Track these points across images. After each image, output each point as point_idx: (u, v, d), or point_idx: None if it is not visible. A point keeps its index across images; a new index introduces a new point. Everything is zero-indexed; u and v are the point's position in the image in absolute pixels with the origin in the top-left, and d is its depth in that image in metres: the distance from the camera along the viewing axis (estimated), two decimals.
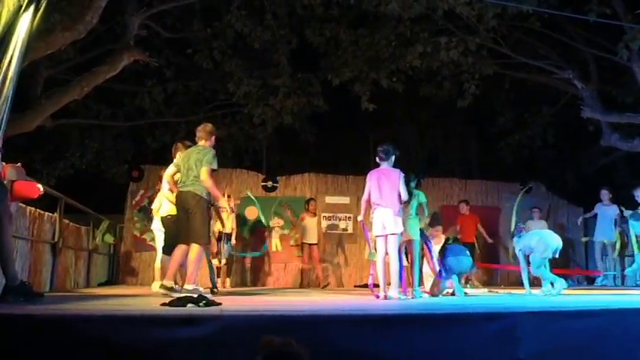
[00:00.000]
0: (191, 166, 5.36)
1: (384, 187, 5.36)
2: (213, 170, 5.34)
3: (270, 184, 10.66)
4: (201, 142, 5.57)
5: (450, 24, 9.04)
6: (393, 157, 5.53)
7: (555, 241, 6.03)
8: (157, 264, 6.75)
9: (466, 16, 8.44)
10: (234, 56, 10.18)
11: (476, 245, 9.58)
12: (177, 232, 5.53)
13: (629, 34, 7.75)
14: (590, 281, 9.86)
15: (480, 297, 6.04)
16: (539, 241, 6.05)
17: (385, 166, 5.51)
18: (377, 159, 5.58)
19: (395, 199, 5.32)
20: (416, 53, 9.05)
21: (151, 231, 9.62)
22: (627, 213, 8.46)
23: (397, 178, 5.37)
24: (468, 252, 6.19)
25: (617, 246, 8.78)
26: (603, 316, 3.46)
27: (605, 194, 9.06)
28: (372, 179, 5.48)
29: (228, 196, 9.01)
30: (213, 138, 5.63)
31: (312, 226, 9.68)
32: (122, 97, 11.32)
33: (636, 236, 7.85)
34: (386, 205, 5.33)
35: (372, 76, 9.77)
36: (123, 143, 12.13)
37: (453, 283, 6.02)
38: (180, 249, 5.40)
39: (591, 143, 11.57)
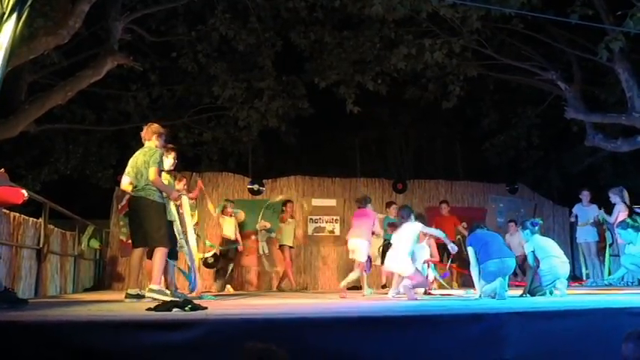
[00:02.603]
0: (140, 170, 5.17)
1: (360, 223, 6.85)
2: (161, 171, 5.24)
3: (256, 187, 10.62)
4: (147, 143, 5.32)
5: (434, 26, 9.10)
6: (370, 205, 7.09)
7: (563, 272, 5.80)
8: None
9: (450, 18, 8.49)
10: (218, 59, 10.18)
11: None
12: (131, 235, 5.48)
13: (611, 35, 7.85)
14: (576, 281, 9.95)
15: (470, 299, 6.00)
16: (550, 270, 5.74)
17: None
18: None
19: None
20: (400, 55, 9.07)
21: None
22: (606, 217, 8.60)
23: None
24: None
25: (607, 245, 8.83)
26: (588, 316, 3.50)
27: (585, 195, 9.11)
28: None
29: (227, 200, 9.06)
30: (160, 138, 5.39)
31: (290, 228, 9.63)
32: (106, 102, 11.26)
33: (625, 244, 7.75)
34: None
35: (357, 79, 9.80)
36: (108, 148, 12.04)
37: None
38: (136, 253, 5.37)
39: (575, 144, 11.70)
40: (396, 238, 6.09)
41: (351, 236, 6.81)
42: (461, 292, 7.08)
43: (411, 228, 5.99)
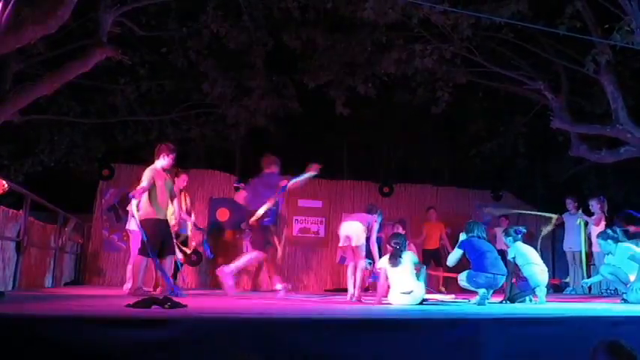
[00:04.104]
0: None
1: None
2: None
3: (242, 186, 10.54)
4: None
5: (425, 32, 9.14)
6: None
7: (543, 279, 5.87)
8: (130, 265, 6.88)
9: (441, 24, 8.55)
10: (209, 56, 10.13)
11: (440, 252, 9.80)
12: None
13: (598, 47, 7.97)
14: (557, 289, 10.06)
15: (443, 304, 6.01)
16: (531, 277, 5.82)
17: None
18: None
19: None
20: (391, 59, 9.12)
21: (121, 231, 9.57)
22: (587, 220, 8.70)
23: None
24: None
25: (583, 256, 8.91)
26: (565, 324, 3.53)
27: (569, 203, 9.22)
28: None
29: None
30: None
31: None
32: (94, 94, 11.14)
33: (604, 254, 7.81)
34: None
35: (347, 81, 9.82)
36: (93, 141, 11.92)
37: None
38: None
39: (561, 153, 11.82)
40: (399, 269, 5.44)
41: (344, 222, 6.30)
42: (450, 297, 7.10)
43: (411, 257, 5.59)
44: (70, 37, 9.11)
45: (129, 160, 10.97)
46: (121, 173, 10.10)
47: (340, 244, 6.22)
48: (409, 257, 5.49)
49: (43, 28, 6.45)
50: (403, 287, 5.31)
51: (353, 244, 6.04)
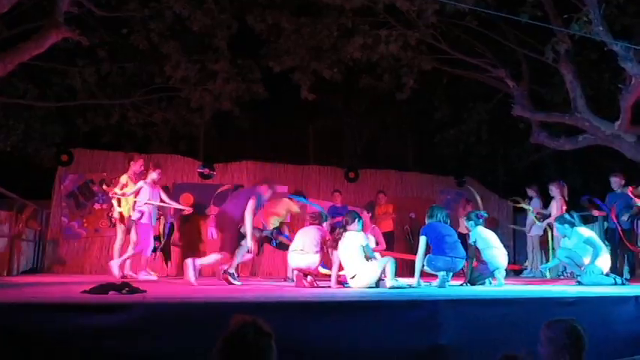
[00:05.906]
0: None
1: None
2: None
3: (207, 171, 10.44)
4: None
5: (390, 18, 9.15)
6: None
7: (502, 262, 6.05)
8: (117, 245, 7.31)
9: (406, 10, 8.58)
10: (172, 38, 9.89)
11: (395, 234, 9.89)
12: None
13: (558, 36, 8.14)
14: (517, 273, 10.33)
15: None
16: (491, 260, 5.99)
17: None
18: None
19: None
20: (356, 45, 9.11)
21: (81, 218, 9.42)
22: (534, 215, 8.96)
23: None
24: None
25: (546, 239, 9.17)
26: (519, 305, 3.64)
27: (530, 191, 9.47)
28: None
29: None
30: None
31: None
32: (51, 77, 10.75)
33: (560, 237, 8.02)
34: None
35: (313, 66, 9.77)
36: (51, 125, 11.50)
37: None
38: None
39: (522, 140, 12.07)
40: (341, 248, 5.41)
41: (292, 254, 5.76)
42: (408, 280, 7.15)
43: (355, 239, 5.41)
44: (26, 16, 8.77)
45: (89, 145, 10.70)
46: (81, 158, 9.84)
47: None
48: (354, 240, 5.37)
49: None
50: (347, 271, 5.35)
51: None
